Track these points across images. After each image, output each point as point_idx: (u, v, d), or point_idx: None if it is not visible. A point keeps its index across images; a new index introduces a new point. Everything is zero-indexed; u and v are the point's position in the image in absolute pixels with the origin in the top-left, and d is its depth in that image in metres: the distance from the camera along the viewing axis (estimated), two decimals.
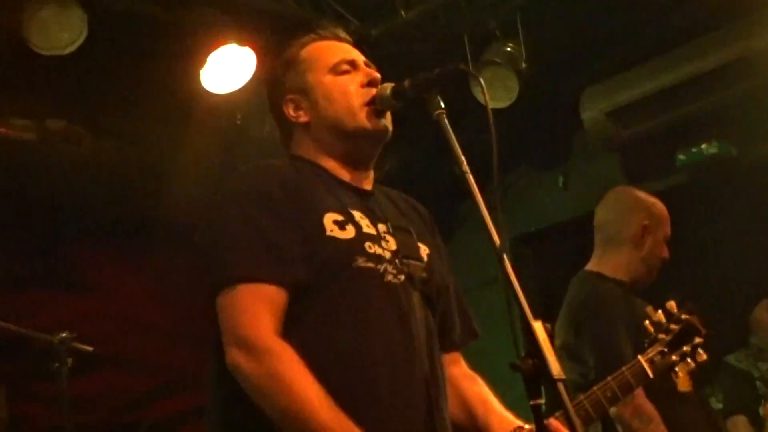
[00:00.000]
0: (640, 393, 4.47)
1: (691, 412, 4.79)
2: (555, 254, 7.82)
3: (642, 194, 5.14)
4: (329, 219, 3.02)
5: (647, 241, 4.94)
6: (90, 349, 5.70)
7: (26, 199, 6.07)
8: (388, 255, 3.08)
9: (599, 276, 4.92)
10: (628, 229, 4.99)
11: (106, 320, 6.24)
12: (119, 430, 6.78)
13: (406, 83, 3.10)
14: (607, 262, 4.98)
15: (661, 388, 4.52)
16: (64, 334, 5.61)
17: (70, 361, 5.61)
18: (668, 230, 5.03)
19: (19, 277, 5.99)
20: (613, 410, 4.51)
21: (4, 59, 6.36)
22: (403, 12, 7.07)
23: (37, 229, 6.35)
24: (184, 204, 7.02)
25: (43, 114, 7.11)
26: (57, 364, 5.60)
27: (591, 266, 5.04)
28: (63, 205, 6.84)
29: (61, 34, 6.11)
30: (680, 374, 4.63)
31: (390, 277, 3.05)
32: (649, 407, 4.48)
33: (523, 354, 2.58)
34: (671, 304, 3.57)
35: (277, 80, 3.35)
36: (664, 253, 4.97)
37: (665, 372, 3.51)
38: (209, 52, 6.58)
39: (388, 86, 3.18)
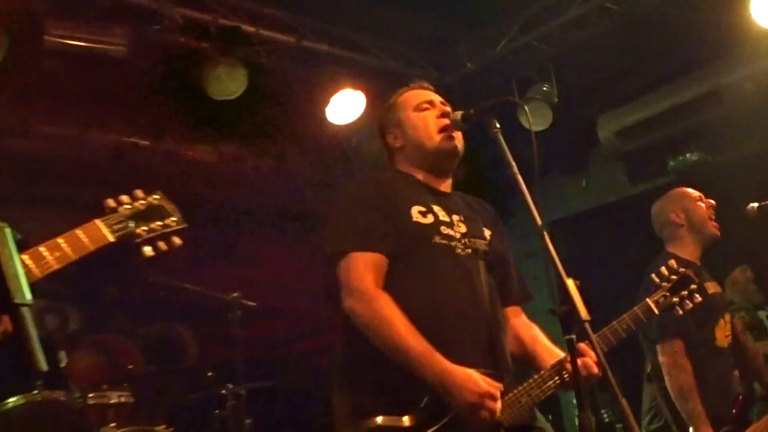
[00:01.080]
0: (680, 348, 4.40)
1: (724, 366, 4.55)
2: (578, 234, 7.74)
3: (669, 193, 4.82)
4: (415, 210, 3.11)
5: (683, 219, 4.63)
6: (253, 304, 5.81)
7: (207, 201, 6.10)
8: (458, 236, 3.14)
9: (665, 253, 4.59)
10: (666, 223, 4.71)
11: (265, 284, 6.26)
12: (275, 362, 6.78)
13: (472, 110, 3.17)
14: (672, 246, 4.68)
15: (699, 343, 4.47)
16: (235, 294, 5.75)
17: (239, 313, 5.73)
18: (705, 211, 4.61)
19: (204, 256, 5.98)
20: (661, 359, 4.46)
21: (188, 102, 6.35)
22: (468, 64, 7.10)
23: (215, 221, 6.41)
24: (314, 202, 7.16)
25: (218, 141, 7.16)
26: (231, 315, 5.72)
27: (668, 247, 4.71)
28: (233, 204, 6.93)
29: (230, 84, 6.13)
30: (718, 333, 4.55)
31: (459, 251, 3.12)
32: (684, 361, 4.38)
33: (558, 303, 2.65)
34: (672, 262, 3.53)
35: (382, 119, 3.45)
36: (713, 230, 4.60)
37: (667, 310, 3.46)
38: (333, 95, 6.62)
39: (459, 113, 3.24)
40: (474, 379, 2.85)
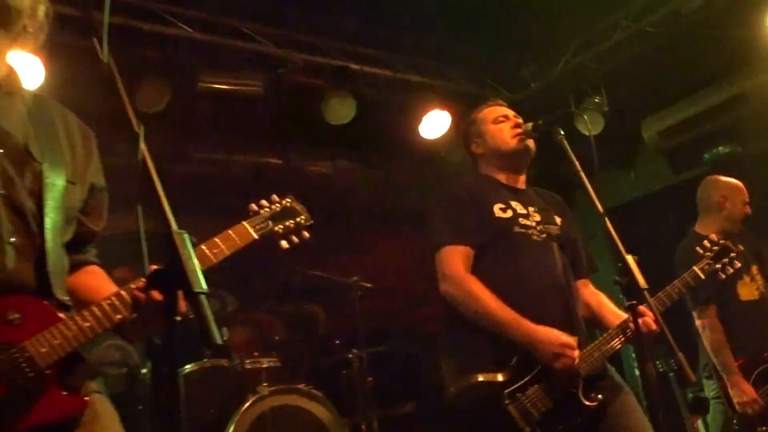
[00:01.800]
0: (712, 311, 4.30)
1: (756, 316, 4.40)
2: (629, 218, 7.54)
3: (722, 178, 4.73)
4: (496, 207, 3.12)
5: (727, 205, 4.57)
6: (369, 285, 5.81)
7: (328, 205, 6.20)
8: (533, 224, 3.13)
9: (692, 233, 4.61)
10: (709, 201, 4.65)
11: (377, 269, 6.21)
12: (388, 330, 6.76)
13: (540, 121, 3.17)
14: (700, 224, 4.66)
15: (724, 303, 4.34)
16: (355, 278, 5.76)
17: (358, 292, 5.75)
18: (745, 197, 4.58)
19: (329, 249, 6.00)
20: (697, 322, 4.35)
21: (310, 128, 6.35)
22: (532, 84, 6.98)
23: (336, 221, 6.43)
24: (412, 202, 7.12)
25: (334, 157, 7.25)
26: (352, 294, 5.75)
27: (694, 227, 4.71)
28: (349, 207, 6.92)
29: (342, 112, 6.17)
30: (742, 290, 4.41)
31: (535, 237, 3.11)
32: (715, 321, 4.29)
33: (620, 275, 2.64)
34: (713, 236, 3.42)
35: (466, 132, 3.47)
36: (747, 210, 4.57)
37: (710, 276, 3.33)
38: (424, 115, 6.59)
39: (530, 124, 3.24)
40: (555, 334, 2.87)
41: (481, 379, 2.90)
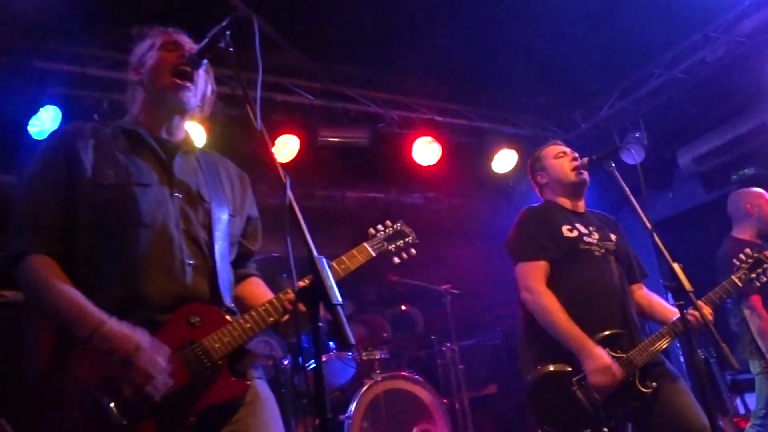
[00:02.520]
0: (757, 302, 4.11)
1: None
2: (669, 233, 7.23)
3: (745, 189, 4.54)
4: (564, 228, 3.07)
5: (755, 211, 4.34)
6: (458, 291, 5.75)
7: (420, 229, 6.25)
8: (594, 242, 3.06)
9: (731, 237, 4.42)
10: (739, 210, 4.45)
11: (462, 278, 6.07)
12: (474, 327, 6.65)
13: (594, 156, 3.10)
14: (736, 230, 4.44)
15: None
16: (446, 285, 5.71)
17: (449, 297, 5.69)
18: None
19: (422, 262, 5.99)
20: (745, 311, 4.16)
21: (404, 168, 6.30)
22: (582, 125, 6.82)
23: (429, 240, 6.41)
24: (489, 224, 7.02)
25: (423, 190, 7.16)
26: (444, 299, 5.70)
27: (732, 233, 4.49)
28: (439, 228, 6.70)
29: (429, 154, 6.15)
30: None
31: (597, 252, 3.05)
32: (760, 311, 4.09)
33: (668, 280, 2.60)
34: (747, 251, 3.24)
35: (532, 166, 3.40)
36: None
37: (746, 284, 3.17)
38: (495, 154, 6.52)
39: (585, 159, 3.17)
40: (605, 358, 2.77)
41: (552, 368, 2.87)
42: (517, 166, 6.48)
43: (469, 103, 6.36)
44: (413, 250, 2.33)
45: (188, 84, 2.04)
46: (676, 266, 2.62)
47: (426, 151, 6.14)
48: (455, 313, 5.63)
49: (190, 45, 2.08)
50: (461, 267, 6.54)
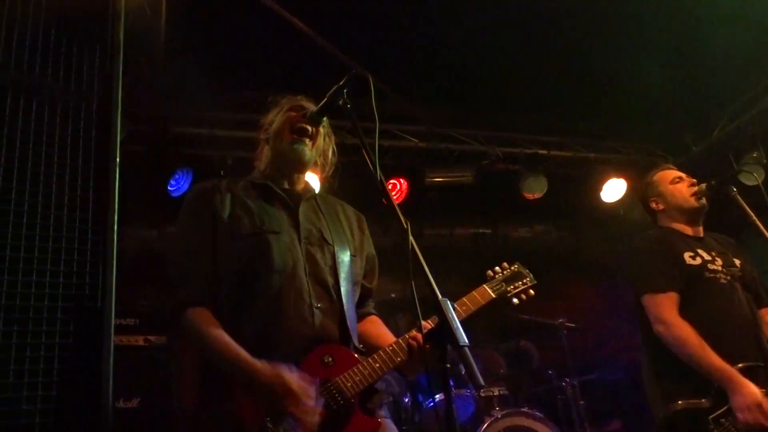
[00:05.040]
0: None
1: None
2: None
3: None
4: (686, 255, 2.90)
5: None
6: (573, 325, 5.54)
7: (530, 263, 6.11)
8: (719, 268, 2.89)
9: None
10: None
11: (577, 311, 5.86)
12: (592, 361, 6.28)
13: (713, 182, 2.96)
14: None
15: None
16: (561, 319, 5.50)
17: (565, 331, 5.48)
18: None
19: (535, 295, 5.87)
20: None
21: (511, 202, 6.21)
22: (693, 148, 6.48)
23: (537, 275, 6.27)
24: (602, 254, 6.80)
25: (532, 223, 7.04)
26: (559, 333, 5.49)
27: None
28: (547, 262, 6.48)
29: (536, 187, 6.06)
30: None
31: (722, 280, 2.87)
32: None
33: None
34: None
35: (644, 193, 3.24)
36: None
37: None
38: (603, 183, 6.33)
39: (704, 184, 3.01)
40: (757, 395, 2.57)
41: (686, 405, 2.68)
42: (626, 194, 6.25)
43: (572, 134, 6.27)
44: (532, 292, 2.29)
45: (305, 139, 2.15)
46: None
47: (533, 185, 6.06)
48: (571, 347, 5.43)
49: (312, 108, 2.17)
50: (575, 299, 6.34)
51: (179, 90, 4.63)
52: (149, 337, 3.77)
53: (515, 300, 2.25)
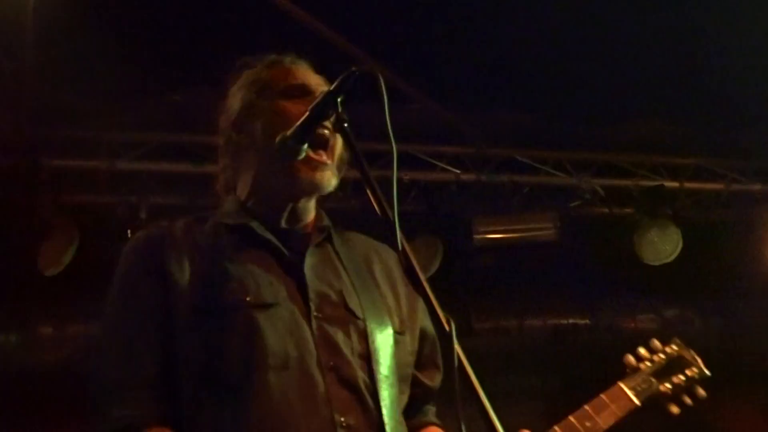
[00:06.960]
0: None
1: None
2: None
3: None
4: None
5: None
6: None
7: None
8: None
9: None
10: None
11: None
12: None
13: None
14: None
15: None
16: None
17: None
18: None
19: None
20: None
21: (624, 273, 5.18)
22: None
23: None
24: None
25: (658, 307, 5.89)
26: None
27: None
28: (717, 362, 5.38)
29: (664, 246, 4.88)
30: None
31: None
32: None
33: None
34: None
35: None
36: None
37: None
38: None
39: None
40: None
41: None
42: None
43: (724, 155, 5.12)
44: (701, 391, 1.77)
45: (322, 154, 1.66)
46: None
47: (659, 242, 4.93)
48: None
49: (322, 87, 1.70)
50: (733, 423, 5.26)
51: (60, 99, 4.11)
52: None
53: (674, 407, 1.71)
